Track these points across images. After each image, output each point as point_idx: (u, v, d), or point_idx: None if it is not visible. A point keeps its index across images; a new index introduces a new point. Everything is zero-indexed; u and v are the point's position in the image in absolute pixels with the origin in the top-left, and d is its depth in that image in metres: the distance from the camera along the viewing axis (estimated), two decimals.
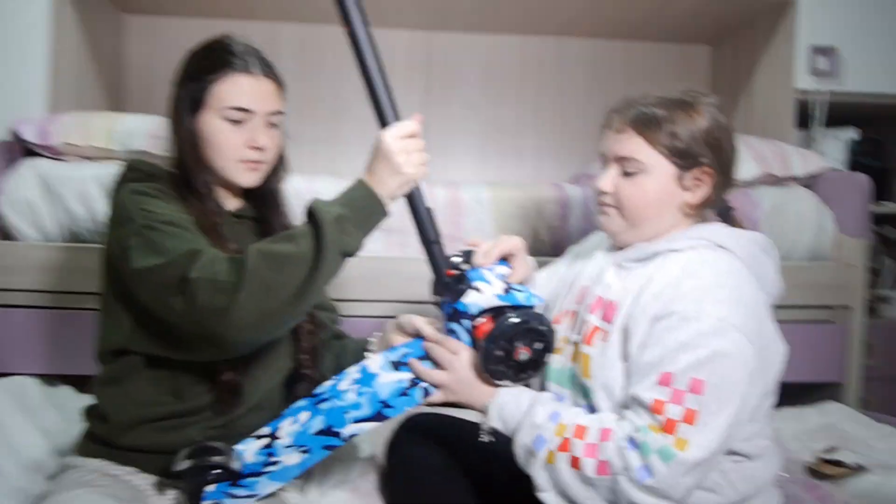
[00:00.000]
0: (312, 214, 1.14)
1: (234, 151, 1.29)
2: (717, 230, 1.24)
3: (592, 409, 1.22)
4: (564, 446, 1.17)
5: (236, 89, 1.29)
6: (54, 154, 2.08)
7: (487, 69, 3.17)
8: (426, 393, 1.23)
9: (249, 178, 1.33)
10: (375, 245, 2.06)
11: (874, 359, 2.51)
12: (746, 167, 2.29)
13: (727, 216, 1.33)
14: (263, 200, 1.41)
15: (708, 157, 1.21)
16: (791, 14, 2.71)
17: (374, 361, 1.27)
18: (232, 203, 1.38)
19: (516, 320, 1.19)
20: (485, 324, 1.23)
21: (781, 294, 1.28)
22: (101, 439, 1.28)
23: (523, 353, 1.20)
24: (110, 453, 1.26)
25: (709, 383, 1.10)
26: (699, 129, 1.20)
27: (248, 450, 1.23)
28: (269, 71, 1.34)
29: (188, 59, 1.34)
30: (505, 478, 1.33)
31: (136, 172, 1.28)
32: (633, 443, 1.12)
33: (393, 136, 1.18)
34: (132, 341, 1.25)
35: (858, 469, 1.76)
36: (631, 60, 3.20)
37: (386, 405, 1.21)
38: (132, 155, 1.98)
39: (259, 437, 1.25)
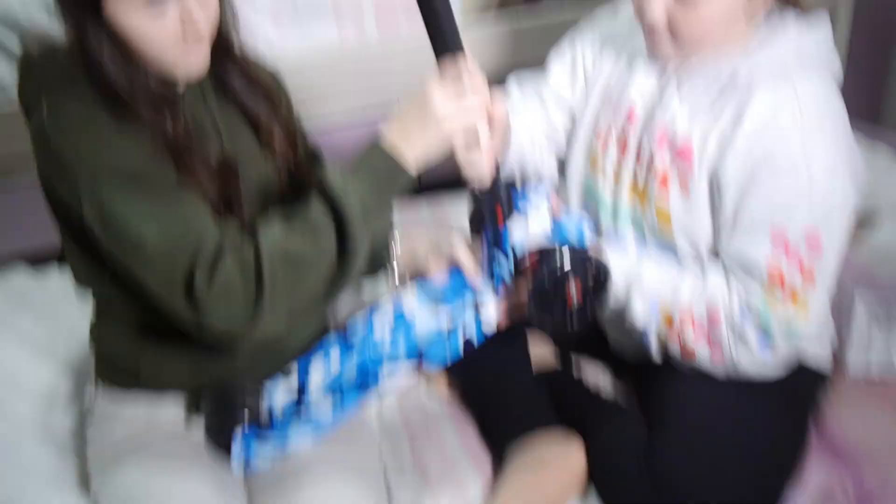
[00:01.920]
0: (333, 202, 0.92)
1: (170, 39, 0.94)
2: (795, 36, 1.06)
3: (669, 249, 1.15)
4: (672, 334, 1.12)
5: None
6: None
7: None
8: (468, 343, 1.08)
9: (196, 62, 0.98)
10: (326, 30, 1.78)
11: None
12: None
13: None
14: (214, 58, 1.04)
15: None
16: None
17: (410, 300, 1.14)
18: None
19: (567, 263, 1.02)
20: (529, 258, 1.07)
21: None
22: (117, 368, 1.13)
23: (575, 297, 1.05)
24: (131, 383, 1.12)
25: (825, 236, 1.04)
26: None
27: (278, 391, 1.11)
28: None
29: None
30: None
31: (44, 74, 0.97)
32: (749, 314, 1.07)
33: (447, 96, 0.92)
34: (114, 295, 1.05)
35: (867, 220, 1.60)
36: None
37: (422, 353, 1.08)
38: None
39: (286, 374, 1.13)
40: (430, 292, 1.16)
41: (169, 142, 0.96)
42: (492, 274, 1.11)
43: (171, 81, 0.99)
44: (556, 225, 1.10)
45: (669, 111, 1.10)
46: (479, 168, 0.99)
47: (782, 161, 1.03)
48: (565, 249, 1.06)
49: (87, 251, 1.00)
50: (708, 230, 1.11)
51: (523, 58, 1.88)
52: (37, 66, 0.98)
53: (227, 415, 1.07)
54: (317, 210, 0.93)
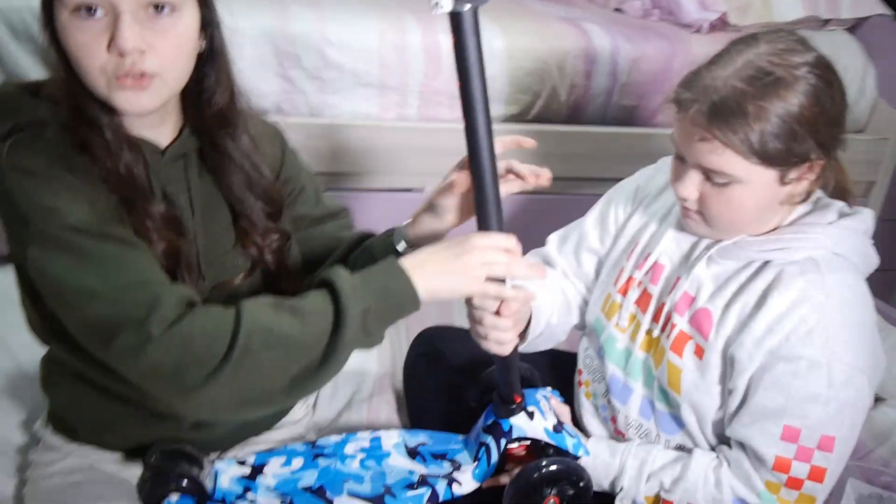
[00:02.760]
0: (336, 297, 0.89)
1: (94, 60, 0.85)
2: (832, 231, 1.04)
3: (675, 418, 1.14)
4: None
5: None
6: None
7: None
8: (434, 496, 1.10)
9: (129, 102, 0.88)
10: (368, 105, 1.83)
11: None
12: (789, 4, 2.12)
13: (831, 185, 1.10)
14: (205, 125, 0.99)
15: (813, 147, 0.97)
16: None
17: (390, 438, 1.21)
18: (164, 133, 0.98)
19: (554, 468, 1.09)
20: (518, 449, 1.15)
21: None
22: (64, 424, 1.11)
23: (552, 502, 1.11)
24: (75, 438, 1.10)
25: (838, 438, 1.02)
26: (799, 115, 0.95)
27: (227, 473, 1.12)
28: None
29: None
30: None
31: (7, 121, 0.89)
32: None
33: (487, 239, 0.94)
34: (54, 348, 1.03)
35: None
36: None
37: (389, 491, 1.10)
38: None
39: (241, 463, 1.14)
40: (411, 440, 1.19)
41: (116, 186, 0.90)
42: (477, 456, 1.13)
43: (136, 155, 0.92)
44: (556, 433, 1.13)
45: (695, 281, 1.09)
46: (500, 335, 1.00)
47: (803, 361, 1.00)
48: (558, 454, 1.11)
49: (32, 297, 0.96)
50: (716, 401, 1.08)
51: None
52: (13, 94, 0.92)
53: (160, 481, 1.04)
54: (315, 301, 0.89)
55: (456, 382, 1.34)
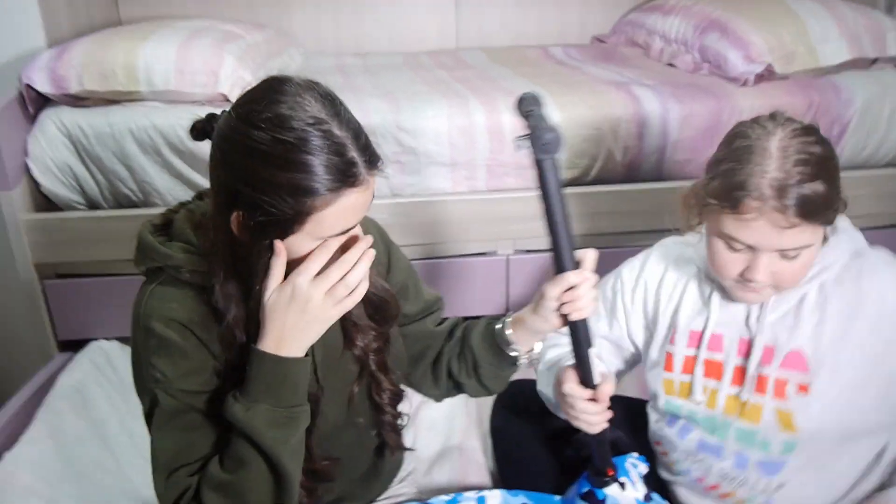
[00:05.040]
0: (244, 434, 0.98)
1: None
2: (850, 237, 1.22)
3: (773, 462, 1.20)
4: None
5: (341, 214, 0.94)
6: (74, 103, 1.95)
7: None
8: None
9: None
10: (441, 182, 2.00)
11: None
12: (833, 48, 2.12)
13: None
14: None
15: (843, 199, 1.14)
16: None
17: (493, 498, 1.29)
18: None
19: None
20: None
21: None
22: None
23: None
24: None
25: None
26: (837, 177, 1.12)
27: None
28: (375, 163, 0.96)
29: (246, 146, 0.91)
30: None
31: (162, 281, 1.03)
32: None
33: (303, 276, 0.95)
34: None
35: None
36: None
37: None
38: (156, 94, 1.92)
39: None
40: (513, 501, 1.28)
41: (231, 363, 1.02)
42: None
43: None
44: (646, 503, 1.23)
45: (766, 333, 1.19)
46: (590, 419, 1.14)
47: None
48: None
49: None
50: (848, 405, 1.16)
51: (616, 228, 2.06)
52: (149, 242, 1.03)
53: None
54: (236, 443, 0.99)
55: (542, 437, 1.45)
